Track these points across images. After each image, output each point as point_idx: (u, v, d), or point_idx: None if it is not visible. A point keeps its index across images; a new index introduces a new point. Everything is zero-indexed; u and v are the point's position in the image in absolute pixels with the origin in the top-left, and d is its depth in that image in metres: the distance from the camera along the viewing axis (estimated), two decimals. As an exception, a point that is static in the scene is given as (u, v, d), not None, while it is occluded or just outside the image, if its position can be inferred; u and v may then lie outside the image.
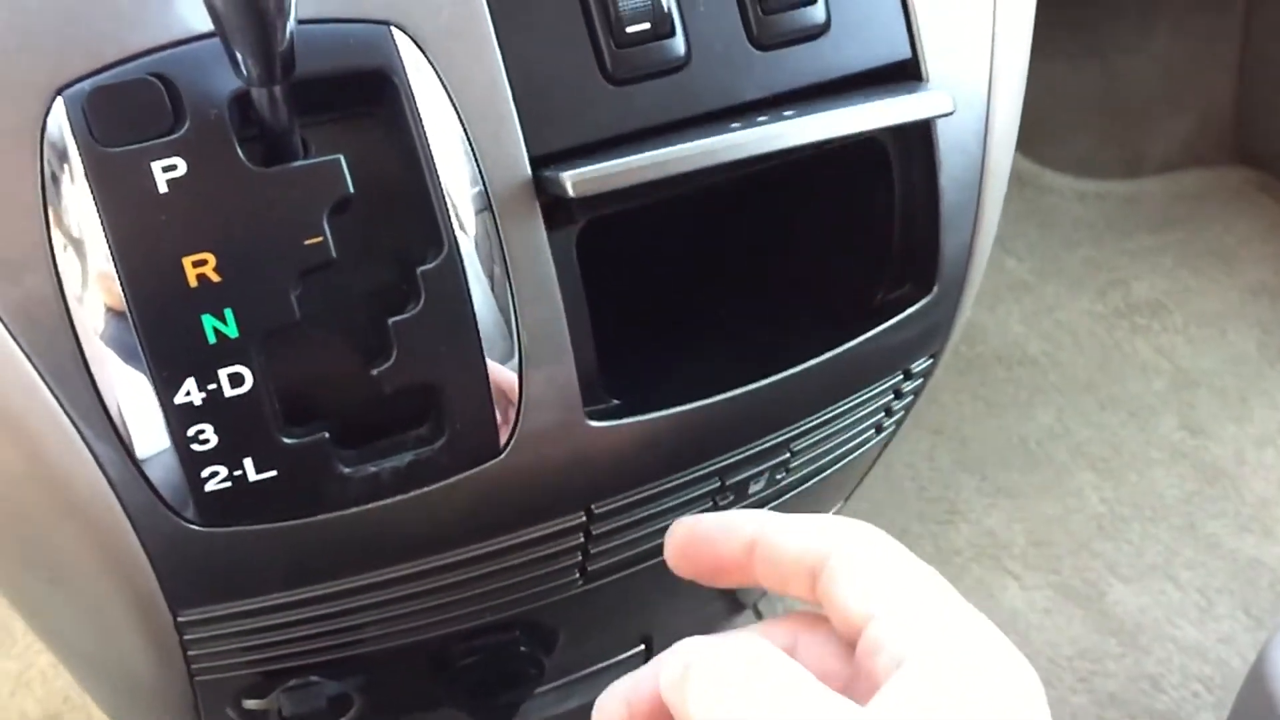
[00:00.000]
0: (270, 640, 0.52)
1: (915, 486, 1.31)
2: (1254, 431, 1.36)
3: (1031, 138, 1.69)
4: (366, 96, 0.45)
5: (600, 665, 0.72)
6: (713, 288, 0.61)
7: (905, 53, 0.52)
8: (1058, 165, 1.66)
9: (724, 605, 0.87)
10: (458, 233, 0.45)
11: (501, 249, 0.46)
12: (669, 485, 0.55)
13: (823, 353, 0.55)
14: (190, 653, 0.52)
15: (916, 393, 0.64)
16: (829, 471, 0.64)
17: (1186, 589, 1.21)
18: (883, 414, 0.63)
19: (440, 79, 0.45)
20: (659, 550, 0.59)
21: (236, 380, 0.43)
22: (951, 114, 0.50)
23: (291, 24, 0.37)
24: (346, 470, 0.47)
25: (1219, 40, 1.64)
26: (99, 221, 0.41)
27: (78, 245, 0.42)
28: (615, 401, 0.52)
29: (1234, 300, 1.52)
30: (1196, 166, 1.69)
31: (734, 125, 0.48)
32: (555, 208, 0.48)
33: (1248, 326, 1.48)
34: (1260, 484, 1.30)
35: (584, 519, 0.54)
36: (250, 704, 0.55)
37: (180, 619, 0.50)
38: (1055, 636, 1.16)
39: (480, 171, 0.46)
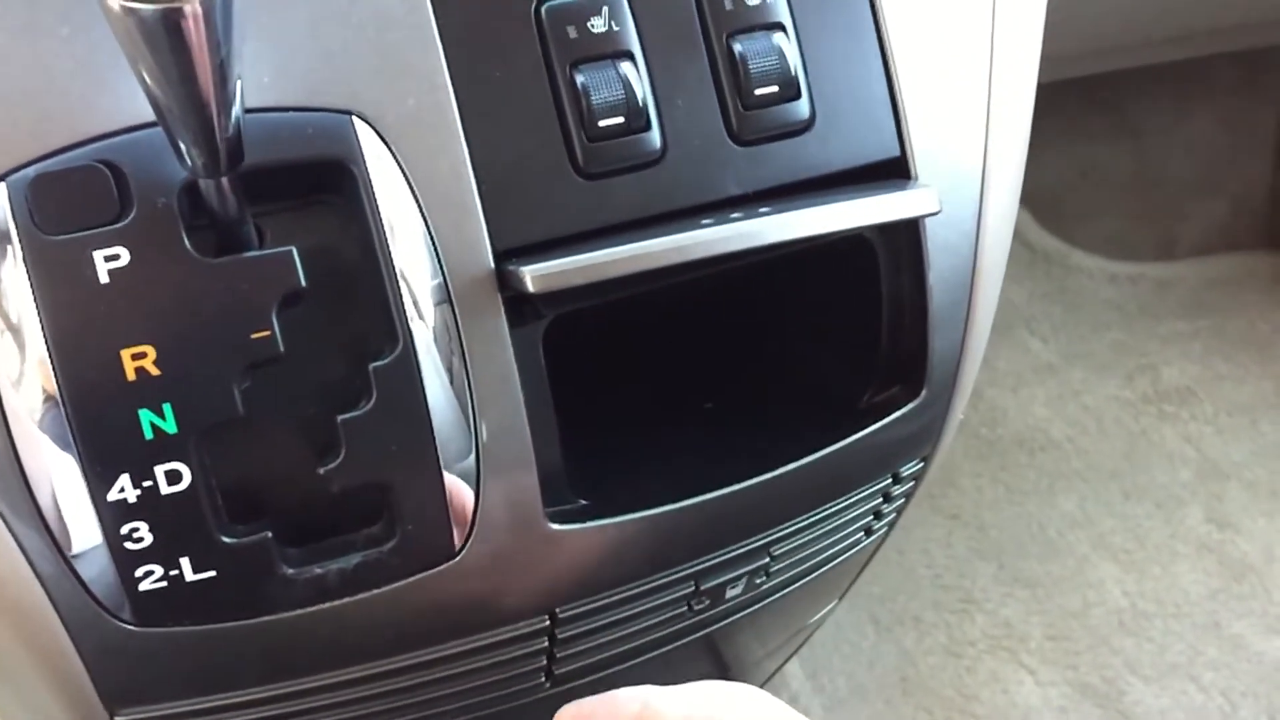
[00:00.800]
0: (213, 741, 0.50)
1: (930, 574, 1.27)
2: (1285, 527, 1.31)
3: (1061, 217, 1.67)
4: (325, 185, 0.44)
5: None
6: (691, 385, 0.59)
7: (893, 150, 0.50)
8: (1088, 246, 1.63)
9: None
10: (414, 327, 0.44)
11: (461, 345, 0.45)
12: (639, 589, 0.53)
13: (805, 455, 0.53)
14: (131, 752, 0.50)
15: (908, 495, 0.62)
16: (814, 575, 0.61)
17: (1210, 691, 1.16)
18: (871, 517, 0.61)
19: (402, 169, 0.44)
20: (633, 652, 0.57)
21: (174, 478, 0.42)
22: (938, 213, 0.48)
23: (238, 112, 0.35)
24: (290, 571, 0.45)
25: (1255, 125, 1.61)
26: (36, 309, 0.40)
27: (15, 332, 0.40)
28: (581, 502, 0.50)
29: (1267, 390, 1.47)
30: (1230, 251, 1.65)
31: (707, 221, 0.46)
32: (520, 303, 0.46)
33: (1280, 418, 1.44)
34: (1290, 583, 1.25)
35: (547, 623, 0.52)
36: (193, 806, 0.53)
37: (116, 718, 0.48)
38: (1070, 737, 1.11)
39: (440, 264, 0.44)
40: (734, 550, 0.54)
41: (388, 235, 0.43)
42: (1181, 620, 1.23)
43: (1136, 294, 1.61)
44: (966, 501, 1.35)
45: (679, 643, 0.58)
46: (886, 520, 0.63)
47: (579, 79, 0.46)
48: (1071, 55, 1.15)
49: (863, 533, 0.61)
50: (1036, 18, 0.56)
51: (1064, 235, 1.64)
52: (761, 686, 0.99)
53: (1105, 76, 1.51)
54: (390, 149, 0.43)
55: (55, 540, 0.42)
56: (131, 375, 0.40)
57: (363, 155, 0.43)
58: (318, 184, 0.44)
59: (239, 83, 0.34)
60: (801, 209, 0.46)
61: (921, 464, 0.59)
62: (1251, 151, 1.62)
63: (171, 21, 0.28)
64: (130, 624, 0.44)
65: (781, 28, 0.48)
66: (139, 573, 0.43)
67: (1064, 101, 1.58)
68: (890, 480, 0.58)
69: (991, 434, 1.42)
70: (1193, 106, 1.60)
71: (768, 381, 0.59)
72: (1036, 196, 1.64)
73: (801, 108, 0.48)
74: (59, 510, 0.42)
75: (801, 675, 1.16)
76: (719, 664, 0.69)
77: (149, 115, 0.41)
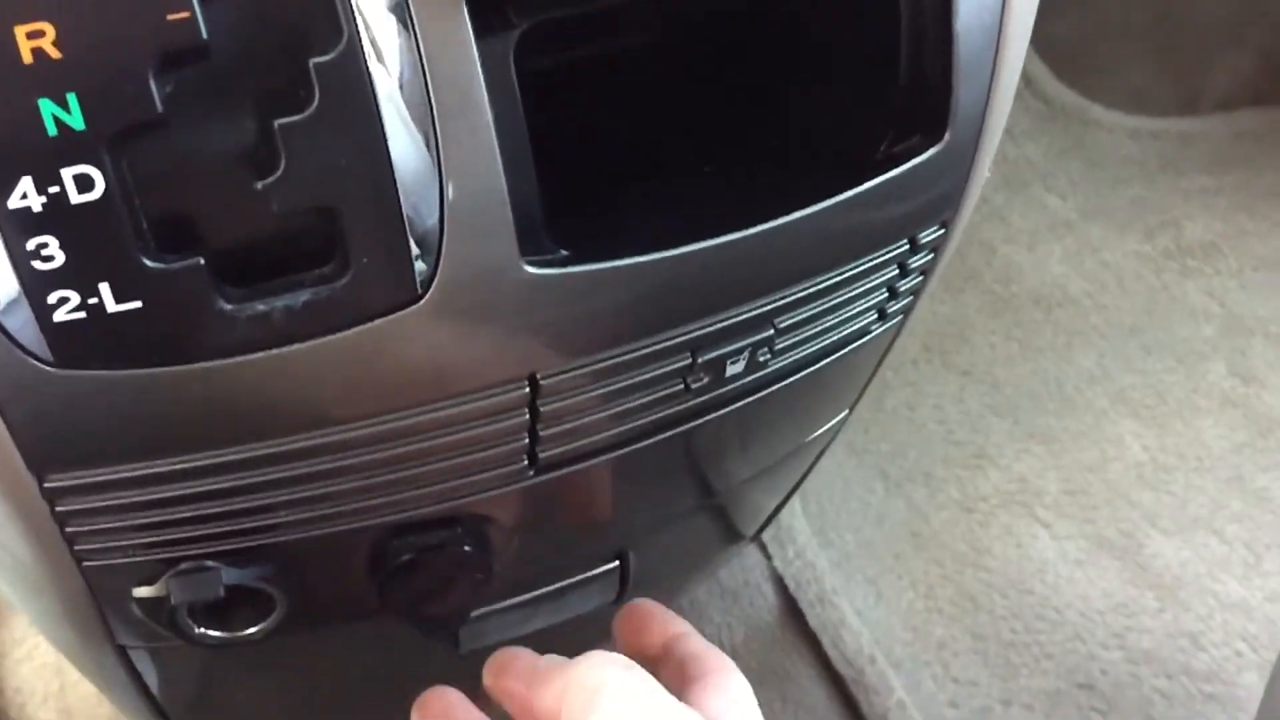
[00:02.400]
0: (158, 519, 0.45)
1: (942, 429, 1.23)
2: (1312, 381, 1.26)
3: (1079, 69, 1.59)
4: None
5: (566, 582, 0.64)
6: (690, 130, 0.53)
7: None
8: (1108, 100, 1.56)
9: (717, 531, 0.79)
10: (360, 21, 0.38)
11: (417, 45, 0.39)
12: (630, 355, 0.48)
13: (813, 203, 0.47)
14: (68, 529, 0.45)
15: (926, 272, 0.56)
16: (823, 362, 0.56)
17: (1232, 543, 1.11)
18: (885, 294, 0.55)
19: None
20: (626, 439, 0.52)
21: (84, 184, 0.36)
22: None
23: None
24: (228, 307, 0.39)
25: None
26: (-90, -24, 0.34)
27: (-109, 10, 0.34)
28: (561, 251, 0.45)
29: (1293, 244, 1.41)
30: (1257, 105, 1.57)
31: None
32: (488, 7, 0.40)
33: (1308, 272, 1.38)
34: (1317, 436, 1.20)
35: (527, 390, 0.46)
36: (140, 591, 0.48)
37: (46, 484, 0.43)
38: (1088, 589, 1.07)
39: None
40: (734, 315, 0.49)
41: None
42: (1204, 474, 1.18)
43: (1159, 149, 1.54)
44: (979, 358, 1.29)
45: (673, 430, 0.53)
46: (902, 303, 0.57)
47: None
48: None
49: (876, 314, 0.56)
50: None
51: (1082, 89, 1.56)
52: (761, 530, 0.95)
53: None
54: None
55: (-47, 263, 0.37)
56: (28, 58, 0.35)
57: None
58: None
59: None
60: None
61: (942, 230, 0.53)
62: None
63: None
64: (47, 364, 0.39)
65: None
66: (52, 299, 0.37)
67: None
68: (908, 247, 0.52)
69: (1006, 291, 1.37)
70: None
71: (773, 135, 0.52)
72: (1054, 48, 1.56)
73: None
74: (-44, 227, 0.36)
75: (808, 531, 1.12)
76: (709, 481, 0.64)
77: None
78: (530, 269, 0.43)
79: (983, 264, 1.39)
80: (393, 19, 0.38)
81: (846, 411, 0.69)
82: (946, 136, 0.48)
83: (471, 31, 0.39)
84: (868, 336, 0.57)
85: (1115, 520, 1.13)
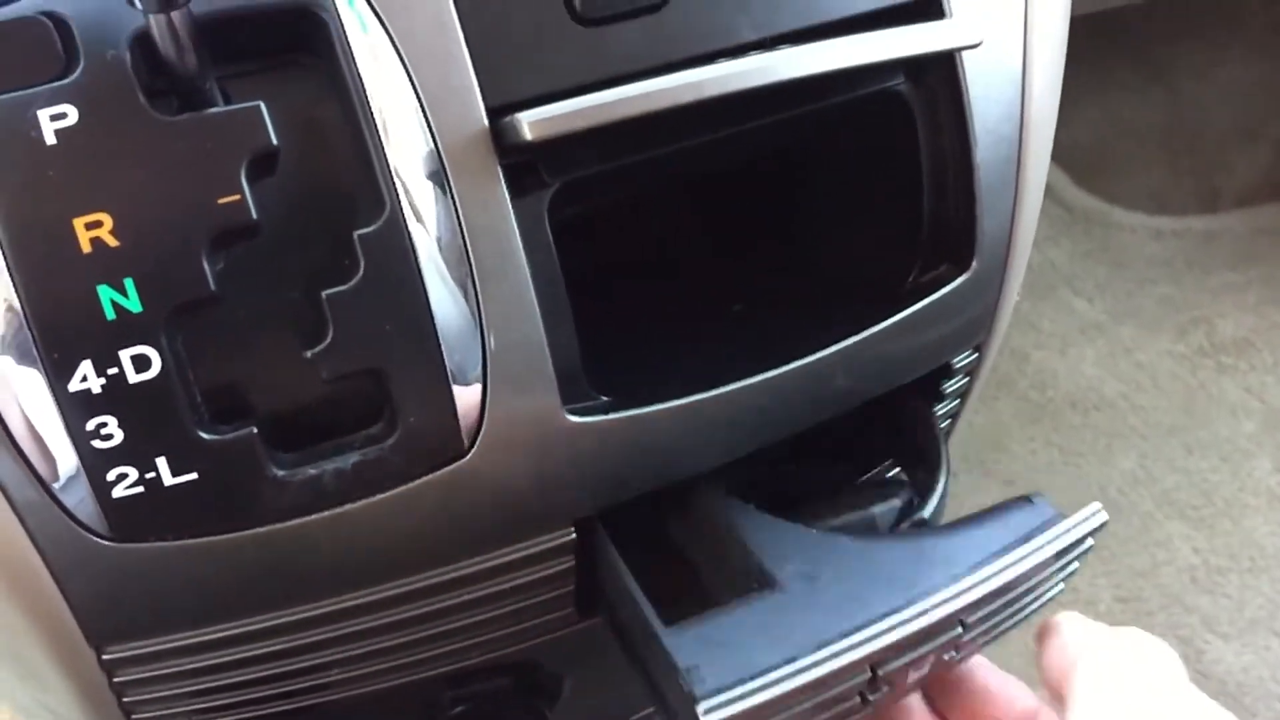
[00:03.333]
0: (213, 684, 0.46)
1: (987, 541, 1.21)
2: (1361, 473, 1.24)
3: (1097, 173, 1.61)
4: (295, 41, 0.40)
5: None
6: (723, 273, 0.54)
7: (926, -11, 0.46)
8: (1127, 202, 1.57)
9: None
10: (401, 192, 0.39)
11: (456, 212, 0.40)
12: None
13: (846, 338, 0.48)
14: (125, 699, 0.46)
15: (962, 395, 0.56)
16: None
17: (1296, 647, 1.09)
18: (925, 419, 0.55)
19: (379, 17, 0.39)
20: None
21: (142, 364, 0.37)
22: (978, 45, 0.43)
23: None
24: (281, 473, 0.40)
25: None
26: (-23, 179, 0.36)
27: (-43, 209, 0.36)
28: (602, 398, 0.45)
29: (1328, 335, 1.40)
30: (1276, 199, 1.58)
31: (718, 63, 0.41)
32: (521, 170, 0.42)
33: (1346, 363, 1.37)
34: (1372, 529, 1.18)
35: (574, 535, 0.47)
36: (195, 759, 0.48)
37: (105, 657, 0.43)
38: (1150, 701, 1.04)
39: (428, 122, 0.40)
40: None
41: (367, 91, 0.39)
42: (1258, 574, 1.16)
43: (1182, 248, 1.54)
44: (1020, 466, 1.28)
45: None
46: (941, 425, 0.57)
47: (574, -86, 0.41)
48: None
49: (915, 439, 0.56)
50: None
51: (1102, 193, 1.58)
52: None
53: (1130, 17, 1.45)
54: (365, -5, 0.39)
55: (15, 443, 0.38)
56: (87, 247, 0.36)
57: (335, 3, 0.39)
58: (288, 41, 0.40)
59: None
60: (823, 43, 0.41)
61: (975, 355, 0.54)
62: (1292, 94, 1.56)
63: None
64: (106, 538, 0.39)
65: None
66: (111, 476, 0.38)
67: (1092, 52, 1.52)
68: (942, 373, 0.53)
69: (1041, 397, 1.36)
70: (1227, 47, 1.54)
71: (805, 268, 0.54)
72: (1071, 154, 1.58)
73: (819, -59, 0.44)
74: (20, 410, 0.37)
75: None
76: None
77: (94, -39, 0.38)
78: (573, 418, 0.43)
79: (1016, 371, 1.39)
80: (431, 185, 0.40)
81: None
82: (974, 265, 0.49)
83: (508, 194, 0.41)
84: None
85: (1172, 627, 1.11)
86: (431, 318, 0.40)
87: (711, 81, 0.40)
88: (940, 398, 0.54)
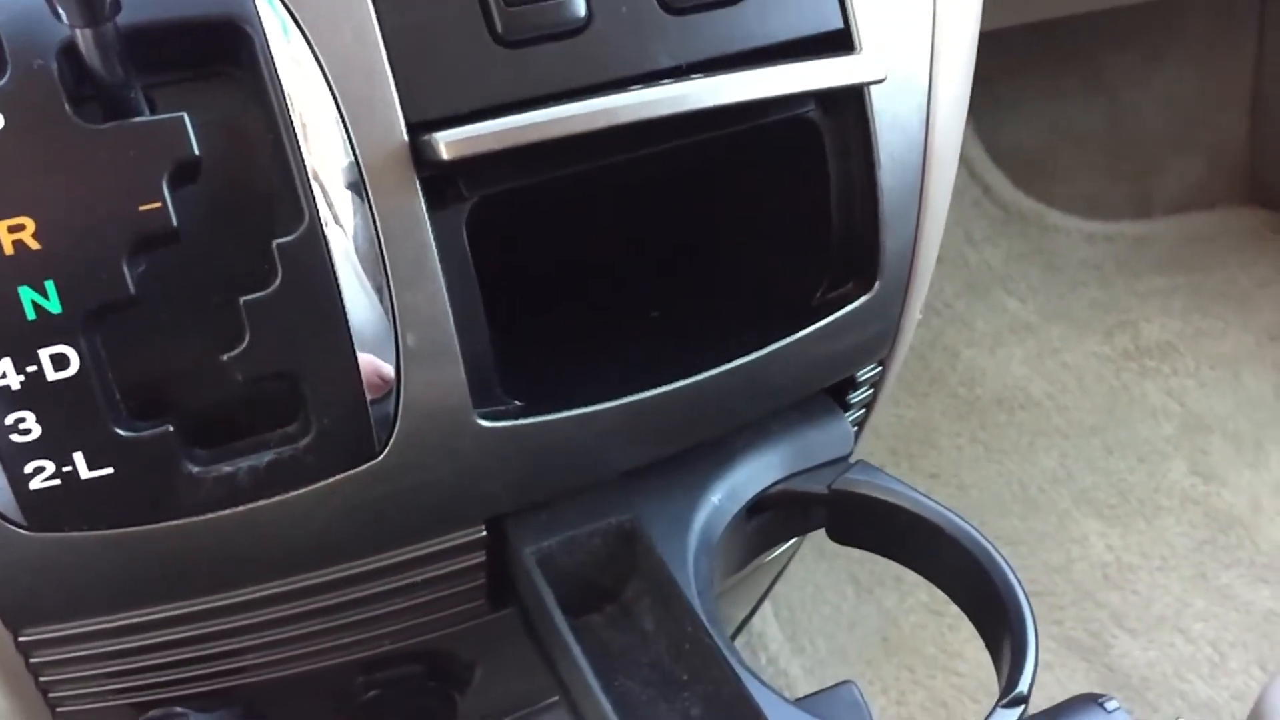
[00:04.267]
0: (130, 666, 0.47)
1: (910, 533, 1.24)
2: (1270, 478, 1.28)
3: (1036, 177, 1.64)
4: (219, 52, 0.41)
5: (537, 707, 0.66)
6: (635, 288, 0.56)
7: (835, 22, 0.48)
8: (1063, 205, 1.61)
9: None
10: (320, 203, 0.41)
11: (374, 223, 0.42)
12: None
13: (753, 351, 0.50)
14: (42, 679, 0.47)
15: (867, 406, 0.59)
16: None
17: (1198, 642, 1.13)
18: (830, 429, 0.58)
19: (303, 32, 0.41)
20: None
21: (60, 362, 0.39)
22: (882, 81, 0.45)
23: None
24: (196, 470, 0.42)
25: (1231, 76, 1.59)
26: (-98, 180, 0.37)
27: (-117, 208, 0.37)
28: (515, 402, 0.47)
29: (1249, 344, 1.45)
30: (1208, 207, 1.63)
31: (635, 87, 0.43)
32: (440, 184, 0.43)
33: (1264, 370, 1.41)
34: (1277, 532, 1.23)
35: (484, 533, 0.49)
36: (110, 738, 0.49)
37: (22, 639, 0.45)
38: (1056, 691, 1.08)
39: (349, 135, 0.41)
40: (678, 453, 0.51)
41: (289, 105, 0.40)
42: (1168, 573, 1.20)
43: (1114, 252, 1.58)
44: (945, 460, 1.32)
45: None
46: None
47: (495, -62, 0.43)
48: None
49: (822, 447, 0.58)
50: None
51: (1039, 195, 1.62)
52: (733, 638, 0.97)
53: (1076, 25, 1.48)
54: (290, 11, 0.40)
55: (-65, 435, 0.39)
56: (9, 249, 0.37)
57: (259, 16, 0.40)
58: (213, 52, 0.41)
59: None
60: (736, 74, 0.43)
61: (879, 368, 0.56)
62: (1226, 104, 1.60)
63: None
64: (23, 528, 0.41)
65: (710, -115, 0.45)
66: (28, 469, 0.40)
67: (1037, 57, 1.55)
68: (847, 385, 0.55)
69: (970, 394, 1.40)
70: (1165, 57, 1.58)
71: (715, 282, 0.56)
72: (1013, 157, 1.61)
73: (736, -27, 0.46)
74: (-62, 402, 0.39)
75: (781, 637, 1.13)
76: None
77: (21, -30, 0.39)
78: (484, 423, 0.45)
79: (947, 368, 1.42)
80: (350, 197, 0.41)
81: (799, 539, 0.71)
82: (877, 284, 0.51)
83: (425, 206, 0.43)
84: (816, 466, 0.60)
85: (1082, 621, 1.15)
86: (346, 325, 0.41)
87: (626, 108, 0.42)
88: (847, 407, 0.57)
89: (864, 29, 0.48)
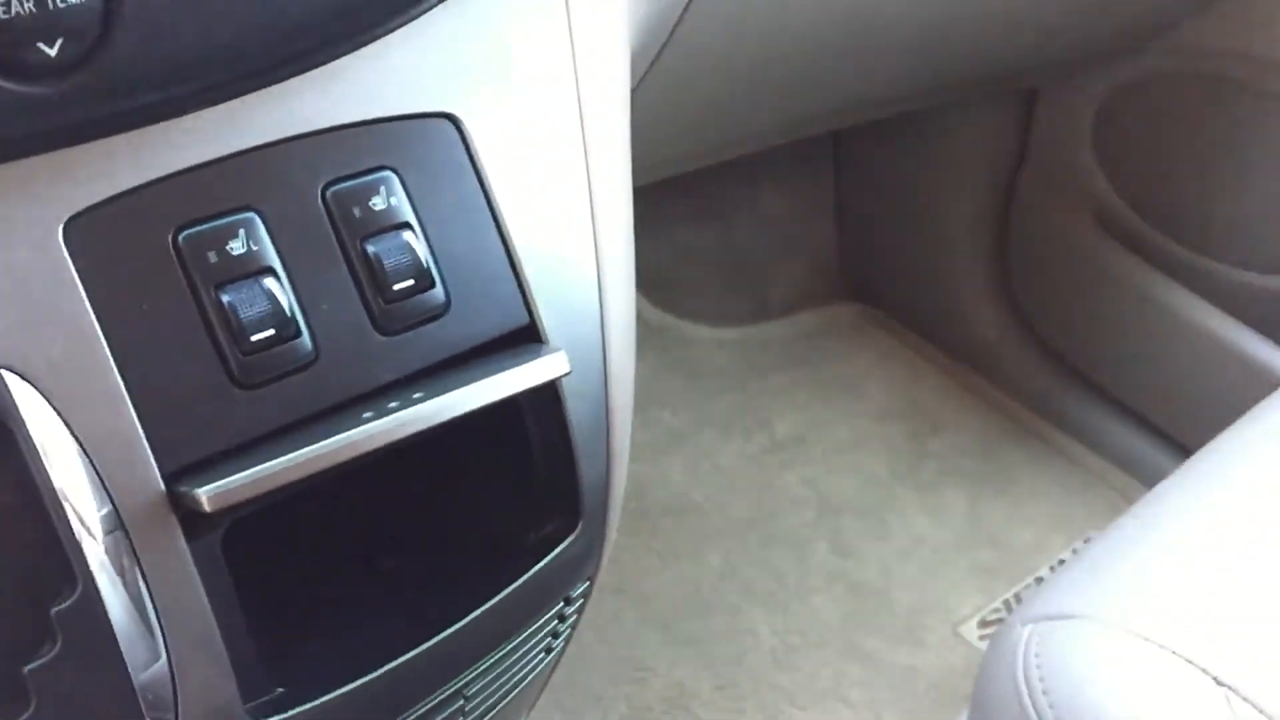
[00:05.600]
0: None
1: (605, 650, 1.35)
2: (894, 546, 1.49)
3: (669, 295, 1.82)
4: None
5: None
6: (373, 545, 0.62)
7: (523, 319, 0.56)
8: (694, 317, 1.79)
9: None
10: (92, 564, 0.44)
11: (140, 571, 0.46)
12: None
13: (486, 601, 0.57)
14: None
15: (580, 611, 0.68)
16: (507, 699, 0.66)
17: (858, 707, 1.30)
18: (550, 638, 0.66)
19: (59, 412, 0.44)
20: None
21: None
22: (569, 373, 0.55)
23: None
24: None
25: (816, 194, 1.84)
26: None
27: None
28: (279, 690, 0.52)
29: (863, 427, 1.67)
30: (814, 306, 1.86)
31: (367, 415, 0.50)
32: (195, 517, 0.48)
33: (878, 449, 1.64)
34: (906, 595, 1.43)
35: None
36: None
37: None
38: (749, 779, 1.22)
39: (111, 498, 0.45)
40: (431, 700, 0.58)
41: (51, 478, 0.44)
42: (824, 647, 1.37)
43: (744, 355, 1.78)
44: (627, 574, 1.44)
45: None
46: (563, 637, 0.68)
47: (225, 299, 0.48)
48: (661, 164, 1.28)
49: (544, 652, 0.67)
50: (624, 181, 0.64)
51: (674, 310, 1.79)
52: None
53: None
54: (44, 395, 0.44)
55: None
56: None
57: (16, 406, 0.43)
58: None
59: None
60: (453, 390, 0.51)
61: (588, 583, 0.65)
62: (817, 217, 1.85)
63: None
64: None
65: (409, 226, 0.53)
66: None
67: (656, 194, 1.73)
68: (564, 604, 0.64)
69: (640, 506, 1.53)
70: (761, 182, 1.80)
71: (442, 541, 0.62)
72: (648, 280, 1.78)
73: (437, 295, 0.53)
74: None
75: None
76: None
77: None
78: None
79: (615, 485, 1.55)
80: (119, 554, 0.45)
81: (528, 712, 0.79)
82: (580, 522, 0.60)
83: (185, 543, 0.47)
84: (540, 666, 0.68)
85: (762, 707, 1.30)
86: (128, 675, 0.45)
87: (366, 439, 0.48)
88: (564, 619, 0.65)
89: (547, 320, 0.57)
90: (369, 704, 0.54)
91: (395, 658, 0.54)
